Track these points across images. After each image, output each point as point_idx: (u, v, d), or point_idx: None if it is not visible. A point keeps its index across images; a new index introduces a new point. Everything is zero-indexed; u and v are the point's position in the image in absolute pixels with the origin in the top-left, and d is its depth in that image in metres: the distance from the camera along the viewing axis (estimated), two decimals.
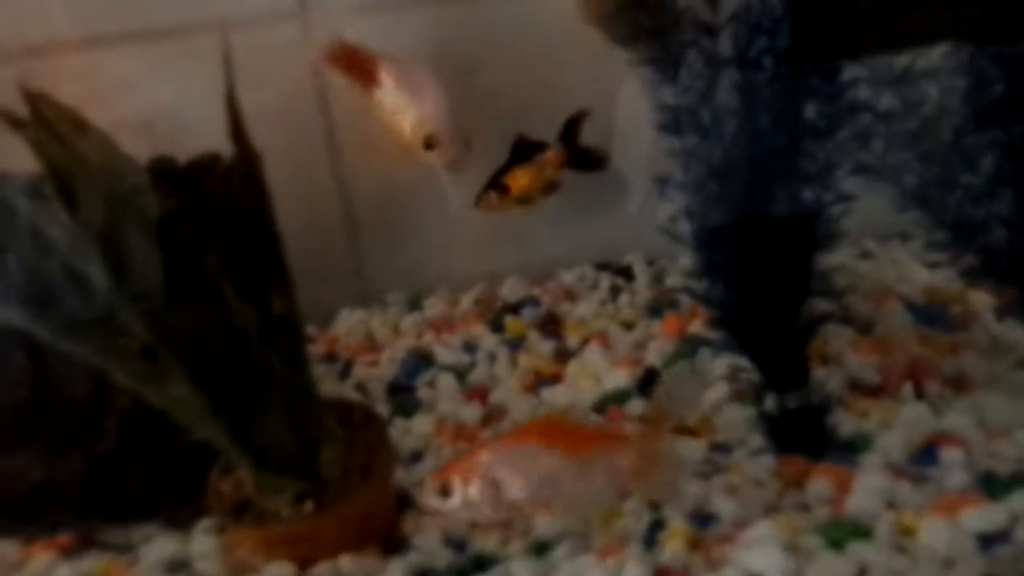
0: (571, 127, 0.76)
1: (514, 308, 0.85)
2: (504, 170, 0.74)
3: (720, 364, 0.69)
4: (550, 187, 0.75)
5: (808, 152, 0.59)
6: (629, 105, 0.77)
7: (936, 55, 0.57)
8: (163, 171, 0.67)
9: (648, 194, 0.83)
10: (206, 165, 0.69)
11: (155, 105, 0.86)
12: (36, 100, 0.43)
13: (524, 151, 0.74)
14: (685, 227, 0.64)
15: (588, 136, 0.80)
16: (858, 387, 0.64)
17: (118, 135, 0.89)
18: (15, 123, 0.42)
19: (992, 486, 0.52)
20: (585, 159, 0.77)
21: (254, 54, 0.87)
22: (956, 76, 0.61)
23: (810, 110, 0.57)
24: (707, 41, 0.56)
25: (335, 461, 0.50)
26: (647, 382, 0.68)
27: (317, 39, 0.85)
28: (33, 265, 0.58)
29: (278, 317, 0.45)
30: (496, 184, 0.73)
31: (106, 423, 0.60)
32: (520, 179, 0.72)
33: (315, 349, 0.83)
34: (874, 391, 0.63)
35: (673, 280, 0.85)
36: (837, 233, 0.61)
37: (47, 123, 0.42)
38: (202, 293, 0.43)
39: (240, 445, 0.46)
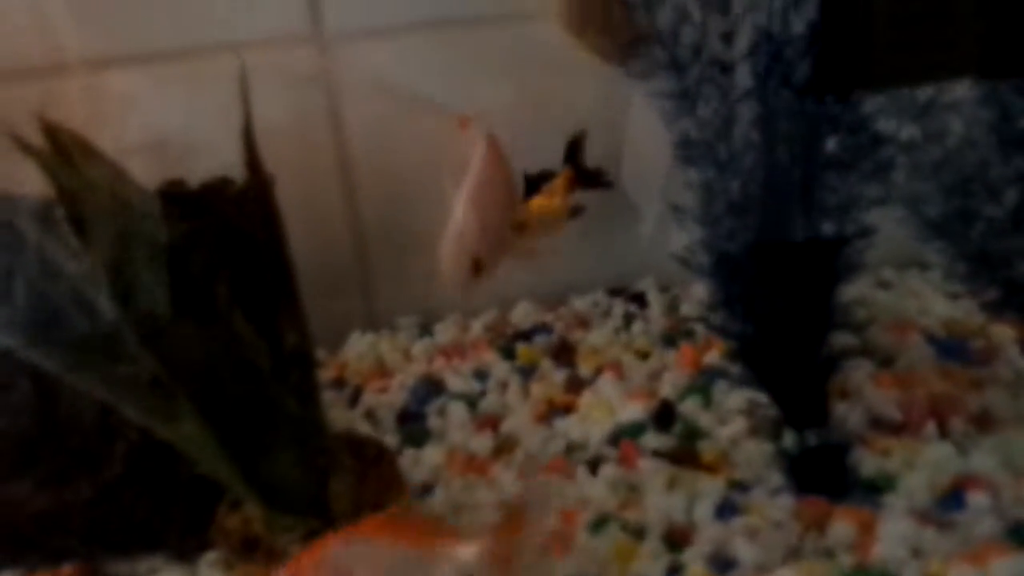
0: (573, 148, 0.76)
1: (526, 335, 0.84)
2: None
3: (737, 397, 0.67)
4: (573, 211, 0.74)
5: (828, 183, 0.58)
6: (639, 125, 0.77)
7: (959, 88, 0.56)
8: (174, 195, 0.67)
9: (661, 216, 0.82)
10: (217, 189, 0.69)
11: (166, 126, 0.86)
12: (48, 126, 0.43)
13: (534, 184, 0.73)
14: (702, 258, 0.63)
15: (597, 157, 0.79)
16: (879, 424, 0.62)
17: (128, 156, 0.89)
18: (27, 149, 0.41)
19: (1022, 534, 0.51)
20: (590, 178, 0.77)
21: (267, 75, 0.88)
22: (979, 108, 0.60)
23: (831, 141, 0.56)
24: (723, 75, 0.55)
25: (346, 498, 0.49)
26: (663, 416, 0.67)
27: (332, 62, 0.86)
28: (41, 292, 0.57)
29: (290, 350, 0.44)
30: (520, 223, 0.72)
31: (113, 451, 0.59)
32: (537, 210, 0.71)
33: (324, 374, 0.83)
34: (896, 428, 0.62)
35: (688, 308, 0.84)
36: (858, 265, 0.60)
37: (59, 149, 0.41)
38: (213, 325, 0.42)
39: (250, 482, 0.45)
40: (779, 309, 0.58)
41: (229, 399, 0.41)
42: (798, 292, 0.58)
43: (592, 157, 0.80)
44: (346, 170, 0.90)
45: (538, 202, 0.71)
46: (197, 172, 0.81)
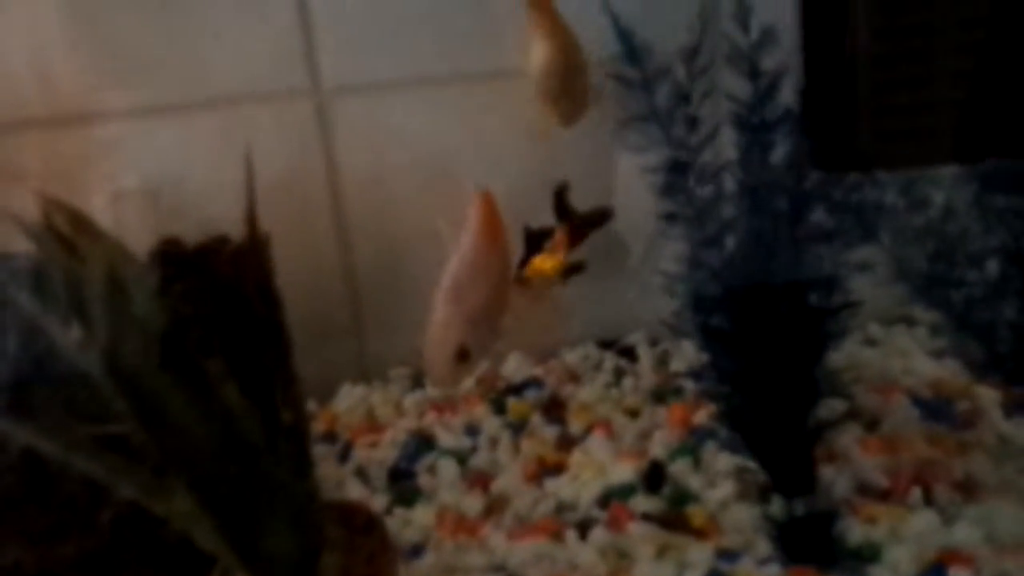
0: (560, 201, 0.77)
1: (517, 389, 0.84)
2: (523, 264, 0.74)
3: (726, 459, 0.68)
4: (576, 267, 0.75)
5: (815, 253, 0.59)
6: (625, 162, 0.78)
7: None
8: (170, 254, 0.67)
9: (651, 251, 0.83)
10: (214, 249, 0.69)
11: (160, 176, 0.87)
12: (51, 208, 0.43)
13: (535, 240, 0.74)
14: (688, 324, 0.64)
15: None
16: (866, 490, 0.63)
17: (122, 202, 0.89)
18: (33, 235, 0.42)
19: None
20: (588, 223, 0.78)
21: (265, 129, 0.89)
22: (960, 183, 0.62)
23: (815, 212, 0.58)
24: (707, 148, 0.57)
25: (335, 569, 0.49)
26: (653, 478, 0.68)
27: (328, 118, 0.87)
28: (31, 363, 0.58)
29: (286, 425, 0.45)
30: (520, 280, 0.73)
31: (100, 516, 0.59)
32: (539, 269, 0.72)
33: (315, 427, 0.83)
34: (882, 494, 0.63)
35: (677, 364, 0.85)
36: (844, 331, 0.61)
37: (61, 235, 0.42)
38: (207, 399, 0.43)
39: (242, 556, 0.45)
40: (766, 377, 0.59)
41: (223, 475, 0.42)
42: (785, 360, 0.59)
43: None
44: (341, 221, 0.91)
45: (539, 261, 0.72)
46: (188, 222, 0.82)
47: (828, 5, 0.48)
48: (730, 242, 0.60)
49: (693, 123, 0.57)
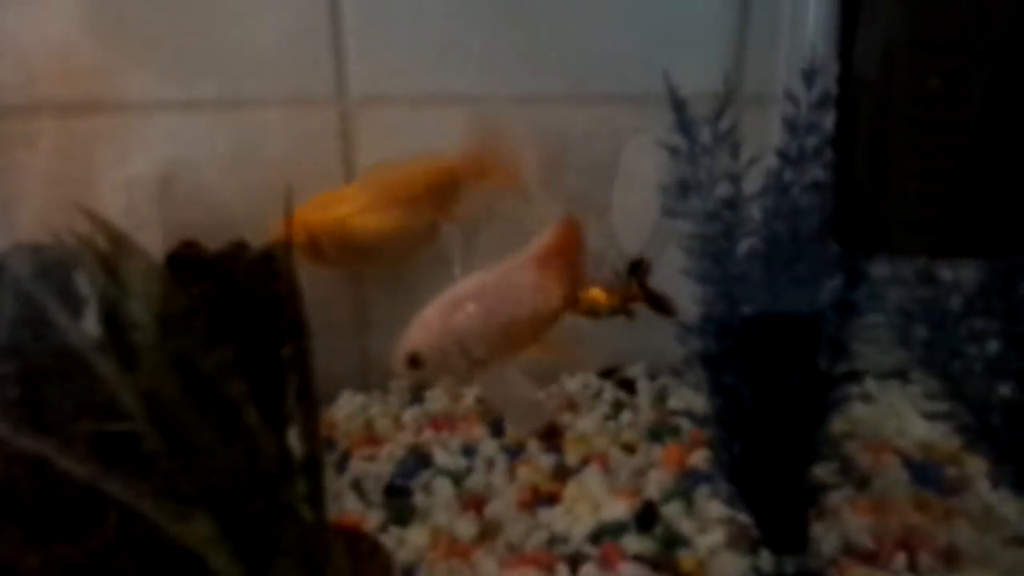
0: (636, 268, 0.74)
1: None
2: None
3: (718, 506, 0.69)
4: (623, 311, 0.72)
5: (827, 318, 0.61)
6: (631, 166, 0.77)
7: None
8: (189, 258, 0.68)
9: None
10: (233, 255, 0.70)
11: (177, 166, 0.87)
12: (93, 220, 0.44)
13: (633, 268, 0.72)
14: (698, 372, 0.65)
15: None
16: (852, 551, 0.65)
17: (137, 188, 0.89)
18: (74, 253, 0.42)
19: None
20: (656, 302, 0.75)
21: (289, 133, 0.89)
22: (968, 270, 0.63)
23: (830, 287, 0.59)
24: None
25: None
26: (645, 518, 0.69)
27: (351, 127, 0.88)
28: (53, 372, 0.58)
29: (304, 455, 0.46)
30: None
31: (106, 514, 0.60)
32: (594, 299, 0.70)
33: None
34: (868, 557, 0.64)
35: (675, 402, 0.86)
36: (849, 397, 0.63)
37: (98, 251, 0.42)
38: (233, 430, 0.43)
39: None
40: (769, 435, 0.60)
41: (243, 500, 0.42)
42: (790, 421, 0.60)
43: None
44: None
45: (597, 292, 0.70)
46: (198, 212, 0.83)
47: (865, 89, 0.50)
48: (744, 297, 0.61)
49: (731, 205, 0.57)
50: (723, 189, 0.58)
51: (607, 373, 0.93)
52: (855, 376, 0.59)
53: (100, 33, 0.81)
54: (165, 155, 0.87)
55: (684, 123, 0.60)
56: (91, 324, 0.65)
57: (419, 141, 0.88)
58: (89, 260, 0.42)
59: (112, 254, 0.43)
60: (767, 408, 0.59)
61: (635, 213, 0.79)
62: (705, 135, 0.57)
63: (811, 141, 0.57)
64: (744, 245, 0.60)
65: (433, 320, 0.61)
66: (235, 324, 0.55)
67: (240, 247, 0.70)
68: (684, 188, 0.57)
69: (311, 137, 0.88)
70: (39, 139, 0.85)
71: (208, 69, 0.84)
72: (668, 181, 0.61)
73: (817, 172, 0.56)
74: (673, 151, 0.58)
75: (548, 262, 0.62)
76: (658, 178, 0.72)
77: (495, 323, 0.61)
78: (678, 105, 0.60)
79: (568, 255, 0.64)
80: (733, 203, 0.59)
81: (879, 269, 0.61)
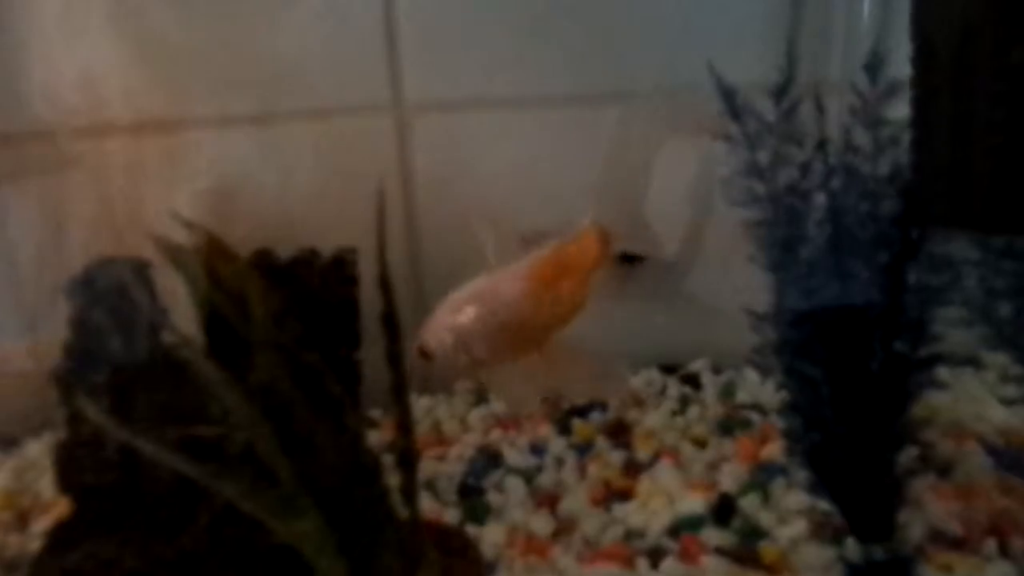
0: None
1: (581, 411, 0.86)
2: None
3: (796, 497, 0.68)
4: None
5: (906, 306, 0.60)
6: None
7: None
8: (264, 265, 0.69)
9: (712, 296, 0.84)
10: (306, 261, 0.71)
11: (239, 179, 0.89)
12: (188, 225, 0.45)
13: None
14: (772, 362, 0.65)
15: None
16: (939, 538, 0.63)
17: (201, 201, 0.91)
18: (177, 256, 0.44)
19: None
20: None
21: (347, 141, 0.91)
22: None
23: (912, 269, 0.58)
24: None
25: None
26: (722, 511, 0.68)
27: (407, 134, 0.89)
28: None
29: (400, 452, 0.46)
30: None
31: (198, 516, 0.61)
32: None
33: (381, 435, 0.84)
34: (957, 543, 0.63)
35: (743, 395, 0.86)
36: (931, 383, 0.62)
37: (206, 261, 0.44)
38: (339, 427, 0.44)
39: None
40: (850, 423, 0.59)
41: (348, 497, 0.43)
42: (871, 408, 0.59)
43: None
44: (413, 234, 0.92)
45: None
46: (260, 224, 0.85)
47: (943, 67, 0.49)
48: (818, 285, 0.61)
49: (805, 170, 0.57)
50: (787, 176, 0.58)
51: (669, 369, 0.92)
52: (938, 360, 0.58)
53: (165, 53, 0.84)
54: (227, 169, 0.89)
55: (735, 110, 0.60)
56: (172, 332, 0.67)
57: (475, 146, 0.89)
58: (191, 264, 0.43)
59: (211, 258, 0.44)
60: (847, 396, 0.58)
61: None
62: (766, 120, 0.57)
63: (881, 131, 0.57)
64: (817, 231, 0.59)
65: (441, 317, 0.63)
66: (311, 328, 0.56)
67: (312, 254, 0.72)
68: (750, 175, 0.56)
69: (368, 145, 0.89)
70: (111, 159, 0.88)
71: (266, 82, 0.86)
72: (728, 170, 0.61)
73: (888, 158, 0.55)
74: (730, 139, 0.58)
75: (543, 274, 0.63)
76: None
77: (491, 327, 0.62)
78: (727, 93, 0.60)
79: (575, 270, 0.64)
80: (802, 189, 0.58)
81: (959, 250, 0.60)
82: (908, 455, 0.65)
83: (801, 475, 0.67)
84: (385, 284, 0.46)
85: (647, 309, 0.92)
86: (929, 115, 0.51)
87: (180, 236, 0.49)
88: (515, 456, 0.79)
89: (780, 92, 0.60)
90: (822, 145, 0.56)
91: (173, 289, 0.58)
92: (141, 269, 0.67)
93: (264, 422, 0.41)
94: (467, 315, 0.62)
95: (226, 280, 0.45)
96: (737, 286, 0.65)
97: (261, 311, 0.43)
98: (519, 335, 0.63)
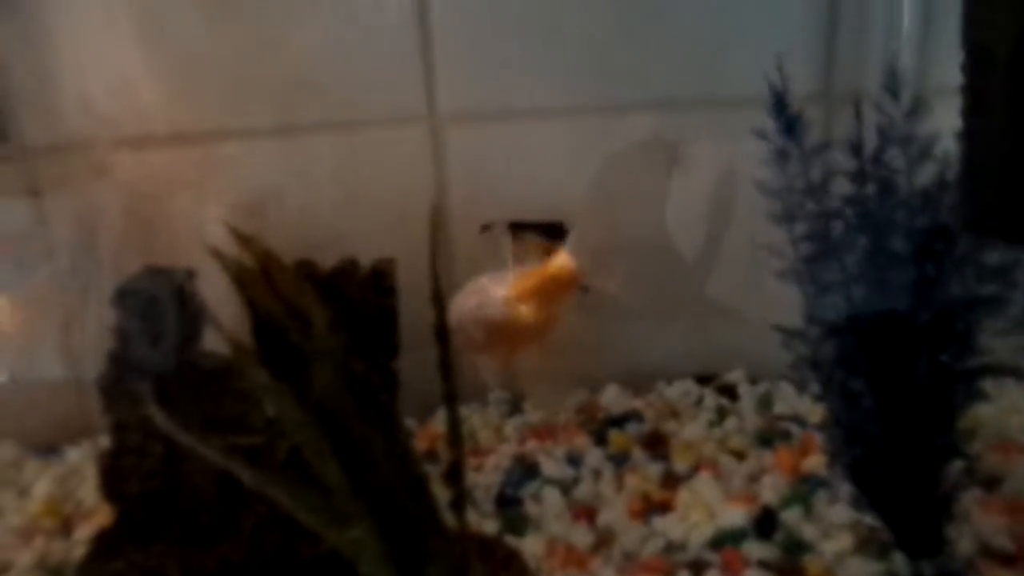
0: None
1: (617, 421, 0.85)
2: None
3: (840, 511, 0.67)
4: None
5: (951, 316, 0.59)
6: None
7: None
8: (305, 276, 0.70)
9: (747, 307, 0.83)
10: (347, 272, 0.72)
11: (274, 192, 0.90)
12: (245, 241, 0.46)
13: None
14: (809, 377, 0.64)
15: None
16: (990, 553, 0.62)
17: (238, 214, 0.92)
18: (223, 261, 0.44)
19: None
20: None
21: (380, 151, 0.91)
22: None
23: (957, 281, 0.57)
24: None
25: None
26: (764, 524, 0.67)
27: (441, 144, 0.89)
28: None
29: (449, 463, 0.46)
30: None
31: (242, 525, 0.61)
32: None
33: (416, 444, 0.84)
34: (1008, 559, 0.62)
35: (781, 407, 0.85)
36: (978, 394, 0.61)
37: (258, 267, 0.44)
38: (387, 435, 0.44)
39: None
40: (894, 437, 0.59)
41: (398, 506, 0.43)
42: (917, 421, 0.58)
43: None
44: (447, 238, 0.92)
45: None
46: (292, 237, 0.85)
47: (996, 73, 0.48)
48: (861, 296, 0.60)
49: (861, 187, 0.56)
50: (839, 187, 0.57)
51: (705, 379, 0.92)
52: (985, 371, 0.57)
53: (197, 66, 0.85)
54: (260, 181, 0.90)
55: (791, 125, 0.60)
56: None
57: (510, 156, 0.90)
58: (249, 275, 0.44)
59: (266, 269, 0.45)
60: (892, 408, 0.57)
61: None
62: (806, 135, 0.57)
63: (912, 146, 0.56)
64: (860, 243, 0.59)
65: (457, 301, 0.70)
66: (351, 338, 0.57)
67: (352, 264, 0.72)
68: (791, 190, 0.56)
69: (403, 155, 0.90)
70: (152, 170, 0.89)
71: (301, 94, 0.87)
72: (772, 185, 0.60)
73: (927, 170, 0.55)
74: (783, 155, 0.57)
75: (521, 287, 0.69)
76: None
77: (481, 318, 0.70)
78: (783, 108, 0.60)
79: (546, 292, 0.70)
80: (851, 201, 0.58)
81: (1007, 259, 0.59)
82: (955, 468, 0.64)
83: (844, 488, 0.66)
84: (438, 298, 0.46)
85: (682, 320, 0.92)
86: (981, 124, 0.50)
87: (226, 247, 0.50)
88: (551, 467, 0.79)
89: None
90: (870, 155, 0.55)
91: (216, 298, 0.59)
92: (185, 279, 0.68)
93: (317, 430, 0.41)
94: (468, 302, 0.70)
95: (281, 291, 0.45)
96: (766, 297, 0.65)
97: (322, 321, 0.43)
98: (502, 332, 0.70)
